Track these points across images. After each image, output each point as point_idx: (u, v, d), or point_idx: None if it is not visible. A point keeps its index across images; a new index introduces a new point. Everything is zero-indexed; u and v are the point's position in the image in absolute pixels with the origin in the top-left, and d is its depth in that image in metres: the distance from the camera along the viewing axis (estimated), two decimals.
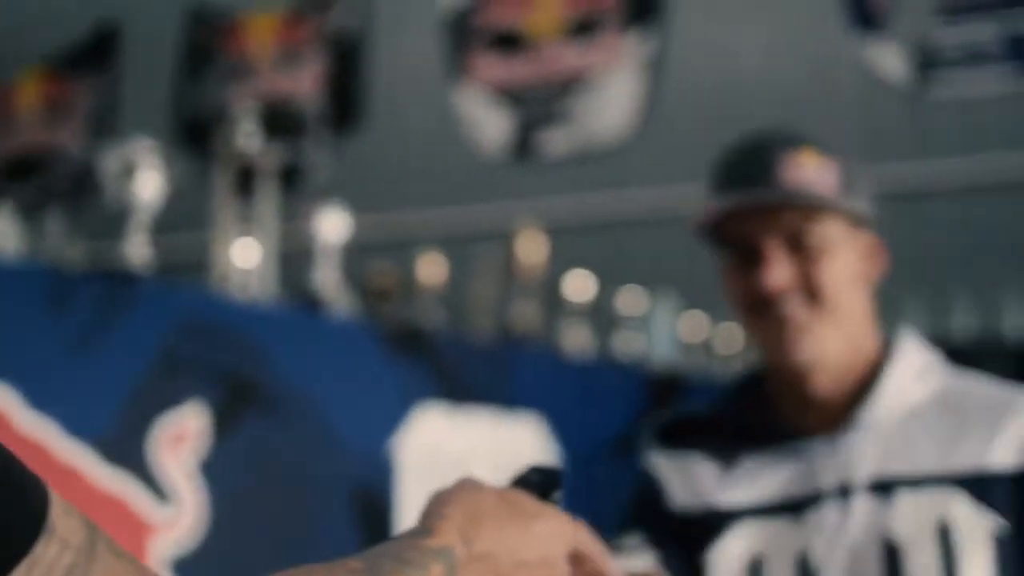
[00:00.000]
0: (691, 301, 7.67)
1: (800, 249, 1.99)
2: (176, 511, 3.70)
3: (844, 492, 1.98)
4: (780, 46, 8.33)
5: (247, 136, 4.63)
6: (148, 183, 4.11)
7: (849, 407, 2.05)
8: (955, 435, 1.98)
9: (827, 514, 1.97)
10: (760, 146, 2.04)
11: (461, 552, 1.21)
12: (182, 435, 3.73)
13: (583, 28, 9.39)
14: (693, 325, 7.26)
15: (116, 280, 3.76)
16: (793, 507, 2.01)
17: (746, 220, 2.01)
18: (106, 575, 0.98)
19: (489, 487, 1.28)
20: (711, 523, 2.05)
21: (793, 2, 8.46)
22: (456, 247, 8.27)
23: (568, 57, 9.45)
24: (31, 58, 9.97)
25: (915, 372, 2.06)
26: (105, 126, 9.58)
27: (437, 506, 1.27)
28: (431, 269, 5.49)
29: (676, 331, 7.08)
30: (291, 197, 7.39)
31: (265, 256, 4.49)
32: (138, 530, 3.65)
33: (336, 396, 4.12)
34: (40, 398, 3.52)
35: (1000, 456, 1.94)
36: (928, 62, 8.04)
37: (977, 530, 1.91)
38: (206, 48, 9.87)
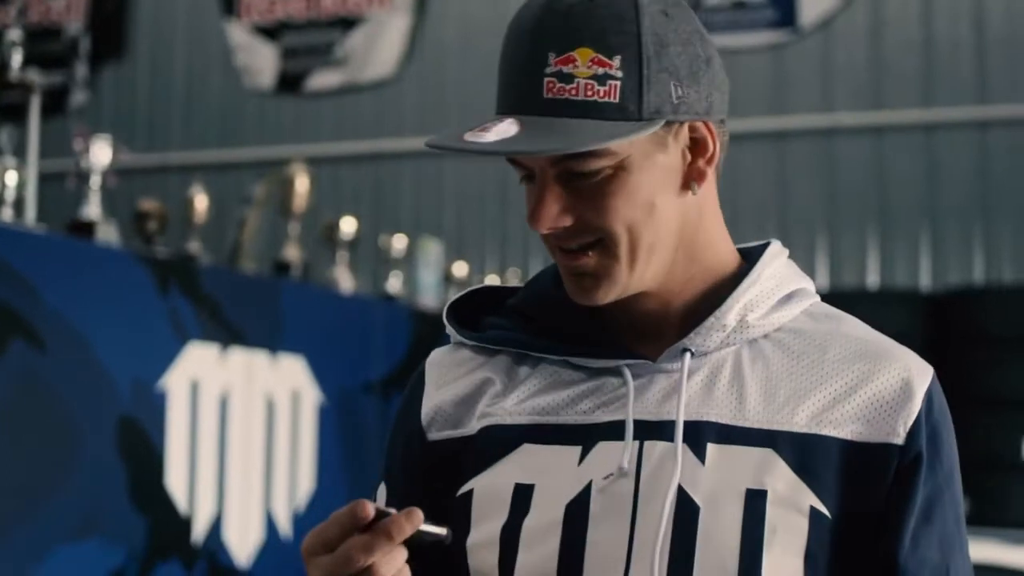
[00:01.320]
0: (457, 242, 7.72)
1: (577, 178, 1.57)
2: None
3: (645, 431, 1.60)
4: None
5: (15, 58, 4.51)
6: None
7: (679, 327, 1.66)
8: (796, 386, 1.63)
9: (618, 454, 1.59)
10: (527, 44, 1.57)
11: None
12: None
13: None
14: (460, 266, 7.31)
15: None
16: (583, 437, 1.62)
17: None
18: None
19: None
20: (485, 443, 1.66)
21: None
22: (224, 180, 8.19)
23: None
24: None
25: (771, 298, 1.67)
26: None
27: None
28: (199, 202, 5.43)
29: (442, 270, 7.12)
30: (54, 123, 7.24)
31: (28, 182, 4.39)
32: None
33: (105, 327, 4.05)
34: None
35: (840, 421, 1.60)
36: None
37: (794, 502, 1.57)
38: None
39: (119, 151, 4.66)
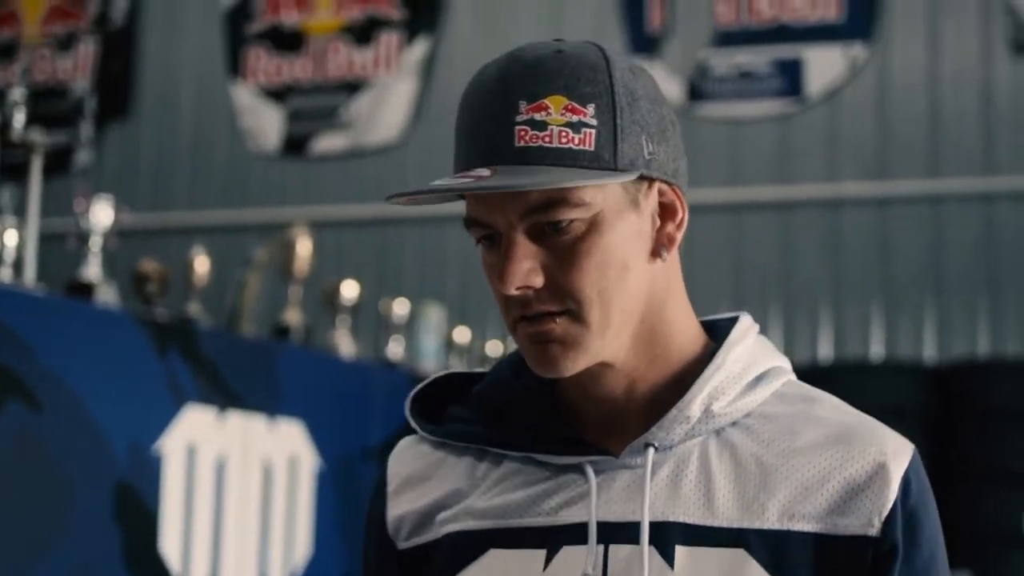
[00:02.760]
0: (460, 307, 7.68)
1: (549, 235, 1.49)
2: None
3: (610, 533, 1.52)
4: None
5: (15, 119, 4.50)
6: None
7: (641, 417, 1.57)
8: (766, 477, 1.53)
9: (587, 559, 1.51)
10: (496, 93, 1.49)
11: None
12: None
13: (362, 31, 9.36)
14: (462, 331, 7.28)
15: None
16: (548, 540, 1.55)
17: (480, 198, 1.51)
18: None
19: None
20: (450, 550, 1.60)
21: (573, 20, 8.55)
22: (227, 242, 8.18)
23: (345, 58, 9.41)
24: None
25: (739, 383, 1.58)
26: None
27: None
28: (199, 264, 5.40)
29: (443, 336, 7.09)
30: (58, 183, 7.22)
31: (28, 242, 4.37)
32: None
33: (102, 389, 4.02)
34: None
35: (812, 514, 1.52)
36: (700, 85, 8.19)
37: None
38: None
39: (120, 212, 4.64)
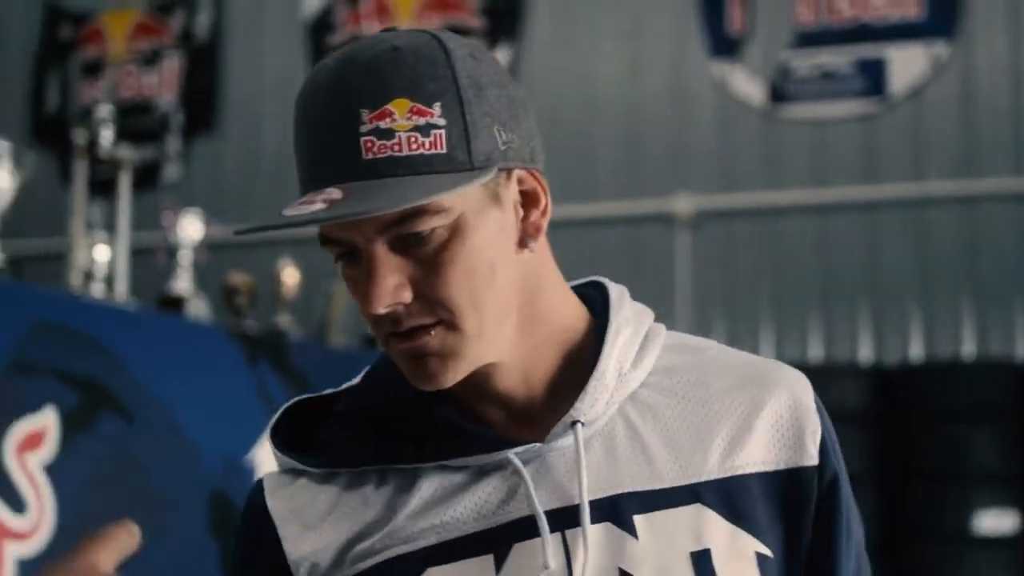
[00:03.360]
0: None
1: (410, 246, 1.40)
2: (28, 515, 3.63)
3: (560, 520, 1.44)
4: (639, 67, 8.39)
5: (103, 136, 4.56)
6: (1, 180, 4.04)
7: (550, 403, 1.49)
8: (695, 429, 1.50)
9: (545, 550, 1.42)
10: (334, 102, 1.40)
11: None
12: (34, 440, 3.66)
13: None
14: None
15: None
16: (493, 543, 1.45)
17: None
18: None
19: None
20: None
21: (651, 23, 8.54)
22: (314, 254, 8.23)
23: None
24: None
25: (634, 343, 1.52)
26: None
27: None
28: (288, 276, 5.45)
29: None
30: (147, 197, 7.31)
31: (120, 257, 4.43)
32: None
33: (194, 401, 4.07)
34: None
35: (751, 456, 1.49)
36: (782, 87, 8.17)
37: (739, 553, 1.46)
38: (61, 44, 9.74)
39: (209, 225, 4.70)
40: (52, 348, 3.74)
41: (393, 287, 1.39)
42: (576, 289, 1.58)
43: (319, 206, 1.35)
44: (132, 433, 3.85)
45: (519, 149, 1.45)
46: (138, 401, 3.88)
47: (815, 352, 7.61)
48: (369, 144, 1.37)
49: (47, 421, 3.69)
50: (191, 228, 4.58)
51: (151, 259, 4.72)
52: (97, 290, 4.25)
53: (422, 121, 1.37)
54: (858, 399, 6.73)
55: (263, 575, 1.52)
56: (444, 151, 1.38)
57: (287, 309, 5.37)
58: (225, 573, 1.59)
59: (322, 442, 1.56)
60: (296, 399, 1.64)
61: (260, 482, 1.59)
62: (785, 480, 1.50)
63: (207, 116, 9.93)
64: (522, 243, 1.46)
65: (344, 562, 1.48)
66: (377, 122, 1.37)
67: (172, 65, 10.00)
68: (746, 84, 8.06)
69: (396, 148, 1.36)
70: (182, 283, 4.50)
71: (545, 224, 1.47)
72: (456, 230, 1.40)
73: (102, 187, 4.94)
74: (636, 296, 1.58)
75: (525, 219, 1.47)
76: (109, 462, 3.79)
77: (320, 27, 9.74)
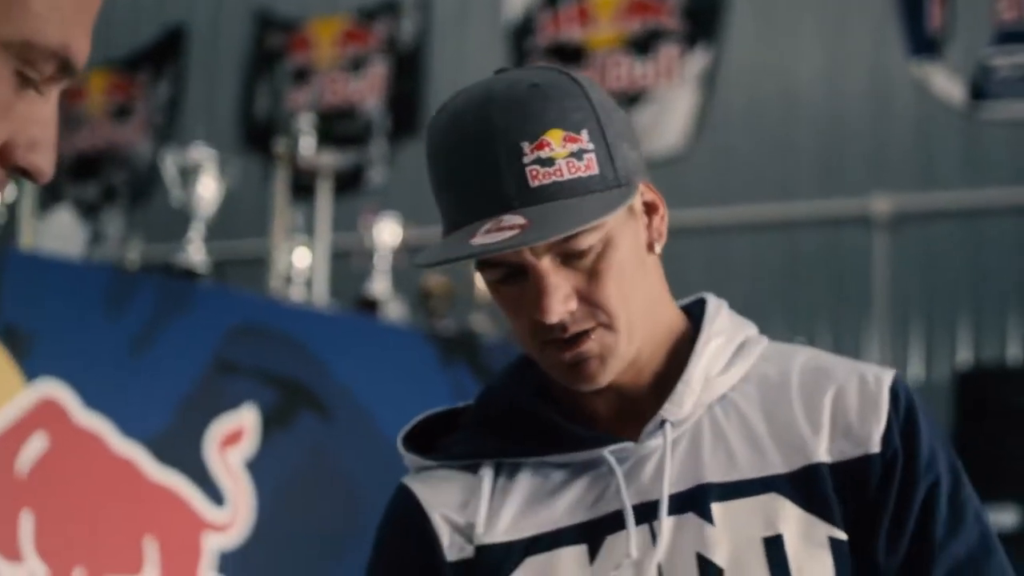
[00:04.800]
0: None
1: (571, 259, 1.54)
2: (228, 509, 3.78)
3: (646, 513, 1.59)
4: (839, 67, 8.34)
5: (307, 142, 4.69)
6: (208, 187, 4.18)
7: (651, 401, 1.64)
8: (776, 430, 1.62)
9: (629, 541, 1.57)
10: (488, 140, 1.54)
11: None
12: (236, 437, 3.80)
13: (643, 43, 9.43)
14: None
15: (174, 282, 3.83)
16: (587, 535, 1.60)
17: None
18: None
19: None
20: (485, 566, 1.62)
21: (852, 23, 8.48)
22: None
23: (626, 71, 9.50)
24: (98, 59, 10.09)
25: (726, 352, 1.67)
26: (169, 128, 9.70)
27: None
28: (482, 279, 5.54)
29: None
30: (348, 203, 7.48)
31: (320, 260, 4.56)
32: (193, 527, 3.72)
33: (390, 402, 4.17)
34: (97, 397, 3.58)
35: (822, 447, 1.61)
36: (983, 85, 8.05)
37: (811, 538, 1.58)
38: (270, 52, 9.97)
39: (407, 229, 4.80)
40: (253, 348, 3.88)
41: (564, 298, 1.54)
42: (684, 306, 1.74)
43: (510, 233, 1.51)
44: (331, 433, 3.97)
45: (639, 163, 1.62)
46: (337, 401, 4.00)
47: (1014, 354, 7.49)
48: (534, 172, 1.52)
49: (247, 418, 3.83)
50: (388, 231, 4.69)
51: (350, 262, 4.84)
52: (297, 293, 4.38)
53: (575, 147, 1.54)
54: None
55: (418, 545, 1.69)
56: (597, 172, 1.54)
57: (482, 311, 5.46)
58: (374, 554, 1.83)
59: (439, 447, 1.73)
60: (429, 413, 1.82)
61: (409, 477, 1.76)
62: (851, 470, 1.61)
63: (411, 121, 10.07)
64: (650, 247, 1.64)
65: (463, 543, 1.65)
66: (538, 152, 1.52)
67: (377, 71, 10.17)
68: (946, 83, 7.96)
69: (558, 174, 1.52)
70: (379, 286, 4.61)
71: (665, 229, 1.65)
72: (608, 242, 1.56)
73: (306, 191, 5.08)
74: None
75: (649, 226, 1.64)
76: (308, 460, 3.92)
77: (522, 32, 9.84)
